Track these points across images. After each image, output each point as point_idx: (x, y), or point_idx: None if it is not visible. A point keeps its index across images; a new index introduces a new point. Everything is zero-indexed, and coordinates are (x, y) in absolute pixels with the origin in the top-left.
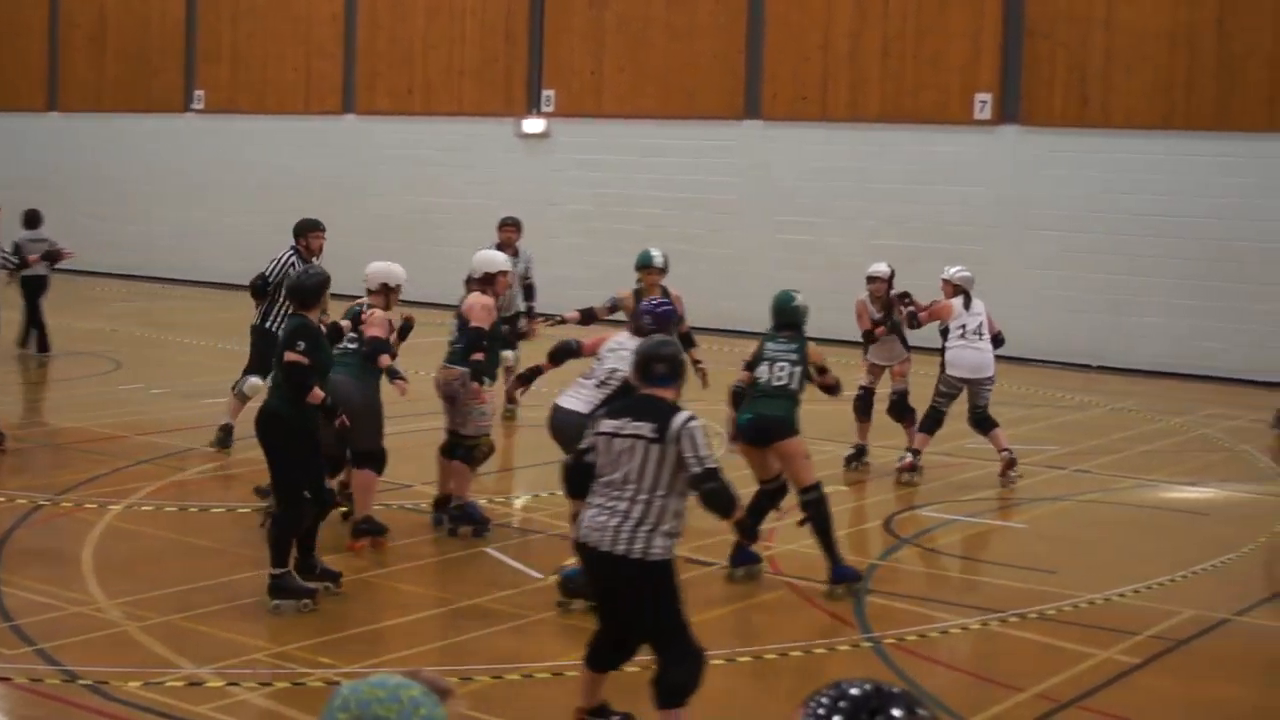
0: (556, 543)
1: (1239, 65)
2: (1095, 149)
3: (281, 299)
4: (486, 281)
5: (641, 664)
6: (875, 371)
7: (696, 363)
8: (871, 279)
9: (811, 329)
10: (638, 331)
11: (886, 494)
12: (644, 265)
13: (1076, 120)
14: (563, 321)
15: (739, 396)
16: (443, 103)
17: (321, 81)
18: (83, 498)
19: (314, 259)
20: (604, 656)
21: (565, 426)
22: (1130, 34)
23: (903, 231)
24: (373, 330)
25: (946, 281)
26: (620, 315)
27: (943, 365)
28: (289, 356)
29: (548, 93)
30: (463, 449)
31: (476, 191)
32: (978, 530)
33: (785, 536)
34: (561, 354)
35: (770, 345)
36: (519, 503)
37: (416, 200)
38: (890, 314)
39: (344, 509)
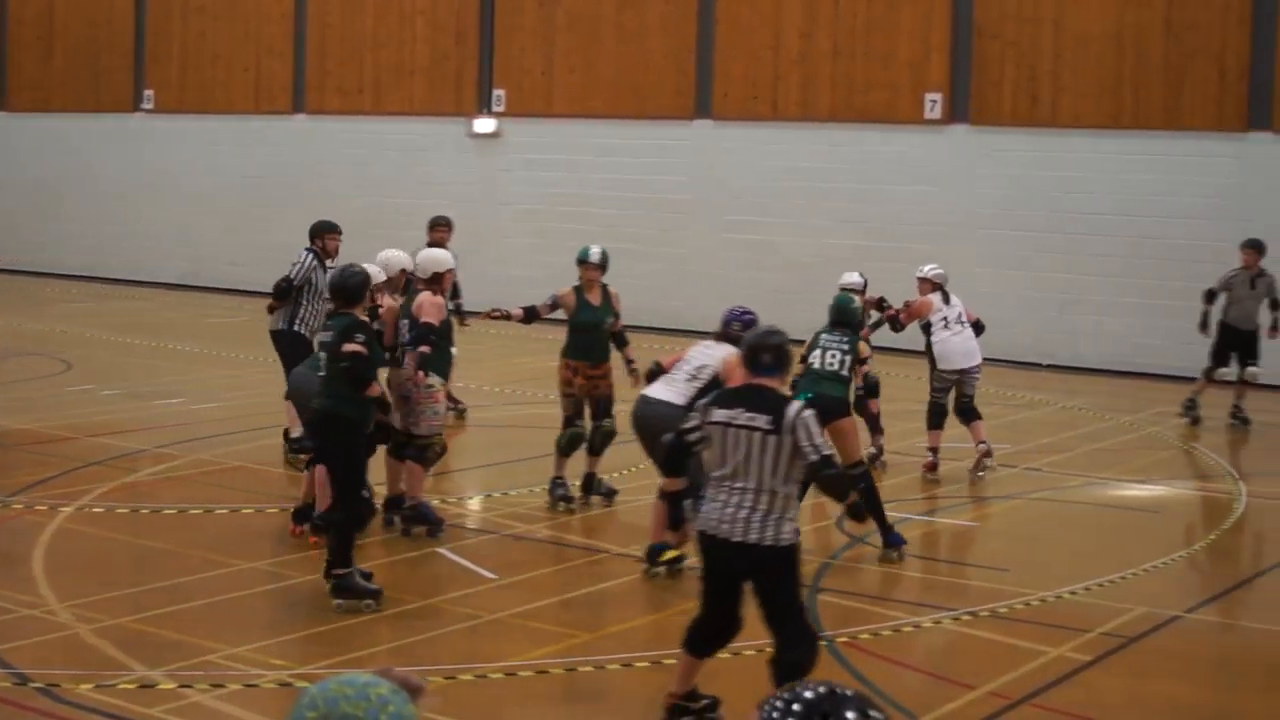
0: (509, 543)
1: (1186, 65)
2: (1044, 148)
3: (306, 301)
4: (434, 280)
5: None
6: None
7: (629, 361)
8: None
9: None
10: (725, 340)
11: None
12: (582, 260)
13: (1026, 120)
14: (506, 317)
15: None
16: (393, 102)
17: (271, 81)
18: (33, 500)
19: (330, 260)
20: (704, 643)
21: (656, 417)
22: (1079, 34)
23: (853, 230)
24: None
25: (923, 279)
26: (560, 314)
27: (932, 361)
28: (350, 347)
29: (498, 92)
30: (414, 448)
31: (427, 191)
32: (931, 529)
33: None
34: (653, 376)
35: (825, 337)
36: (472, 503)
37: (366, 200)
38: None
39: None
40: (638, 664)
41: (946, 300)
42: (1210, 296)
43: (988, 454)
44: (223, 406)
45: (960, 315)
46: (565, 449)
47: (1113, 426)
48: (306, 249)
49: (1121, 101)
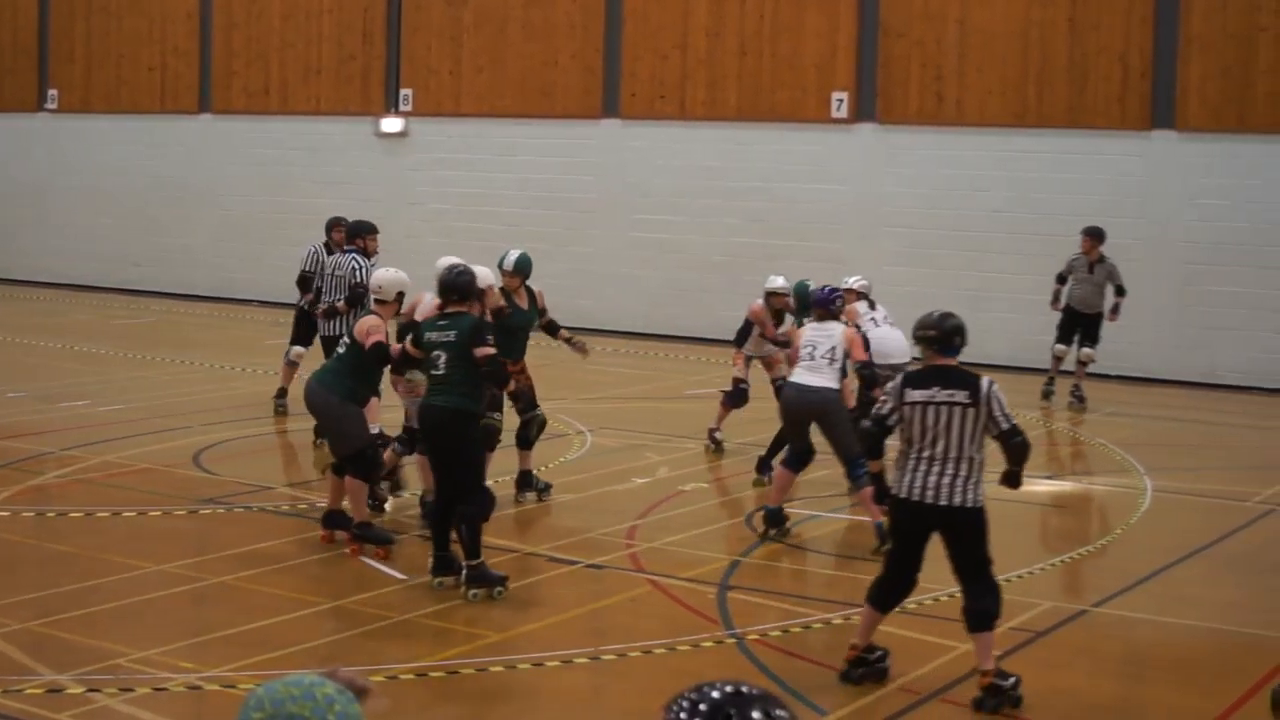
0: (418, 544)
1: (1089, 64)
2: (950, 146)
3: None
4: (397, 301)
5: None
6: (747, 363)
7: (569, 340)
8: (775, 294)
9: (670, 327)
10: (822, 318)
11: (747, 489)
12: (501, 267)
13: (932, 118)
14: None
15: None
16: (299, 102)
17: (176, 80)
18: None
19: (372, 259)
20: (890, 598)
21: (822, 401)
22: (983, 33)
23: (762, 229)
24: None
25: (849, 290)
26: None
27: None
28: (487, 351)
29: (405, 92)
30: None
31: (333, 192)
32: (838, 525)
33: (646, 533)
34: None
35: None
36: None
37: (272, 200)
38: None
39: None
40: (549, 663)
41: (872, 307)
42: (1061, 279)
43: None
44: (129, 408)
45: (887, 315)
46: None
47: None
48: (348, 250)
49: (1026, 99)
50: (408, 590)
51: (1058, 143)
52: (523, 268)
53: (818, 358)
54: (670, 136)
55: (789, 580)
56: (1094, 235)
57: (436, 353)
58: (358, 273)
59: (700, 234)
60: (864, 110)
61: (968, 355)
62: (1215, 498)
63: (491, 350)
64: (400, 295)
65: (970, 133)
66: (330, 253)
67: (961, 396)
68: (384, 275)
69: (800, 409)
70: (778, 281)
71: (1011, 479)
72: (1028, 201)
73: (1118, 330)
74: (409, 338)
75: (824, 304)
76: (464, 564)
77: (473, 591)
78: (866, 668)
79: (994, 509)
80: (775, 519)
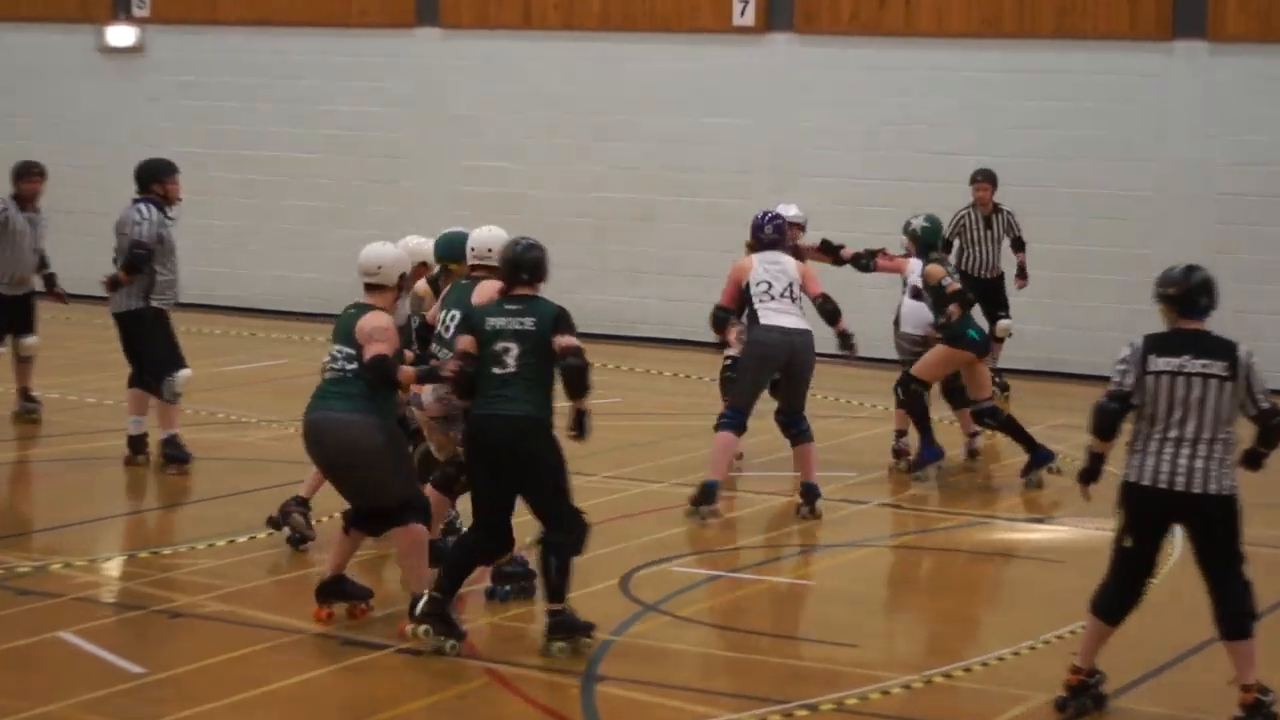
0: (164, 623)
1: None
2: (895, 64)
3: (160, 266)
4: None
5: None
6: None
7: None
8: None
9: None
10: (762, 247)
11: (623, 540)
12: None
13: (870, 26)
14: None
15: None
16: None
17: None
18: None
19: (172, 207)
20: (1122, 605)
21: (800, 346)
22: None
23: (636, 179)
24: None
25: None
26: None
27: (896, 322)
28: (571, 341)
29: None
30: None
31: (43, 128)
32: (749, 590)
33: (481, 603)
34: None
35: (949, 269)
36: (110, 565)
37: None
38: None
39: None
40: None
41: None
42: (945, 246)
43: (973, 455)
44: None
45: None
46: None
47: (1002, 445)
48: (141, 199)
49: (1000, 2)
50: (143, 689)
51: (1043, 59)
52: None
53: (778, 296)
54: (510, 54)
55: (680, 666)
56: (989, 179)
57: (503, 346)
58: (140, 227)
59: (552, 187)
60: (777, 16)
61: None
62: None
63: (577, 341)
64: (404, 278)
65: (922, 46)
66: (22, 209)
67: (1219, 368)
68: (383, 252)
69: (787, 353)
70: (790, 210)
71: (1254, 459)
72: (1000, 140)
73: (1127, 314)
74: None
75: (757, 230)
76: (549, 608)
77: (558, 644)
78: (1088, 696)
79: (967, 565)
80: (710, 495)
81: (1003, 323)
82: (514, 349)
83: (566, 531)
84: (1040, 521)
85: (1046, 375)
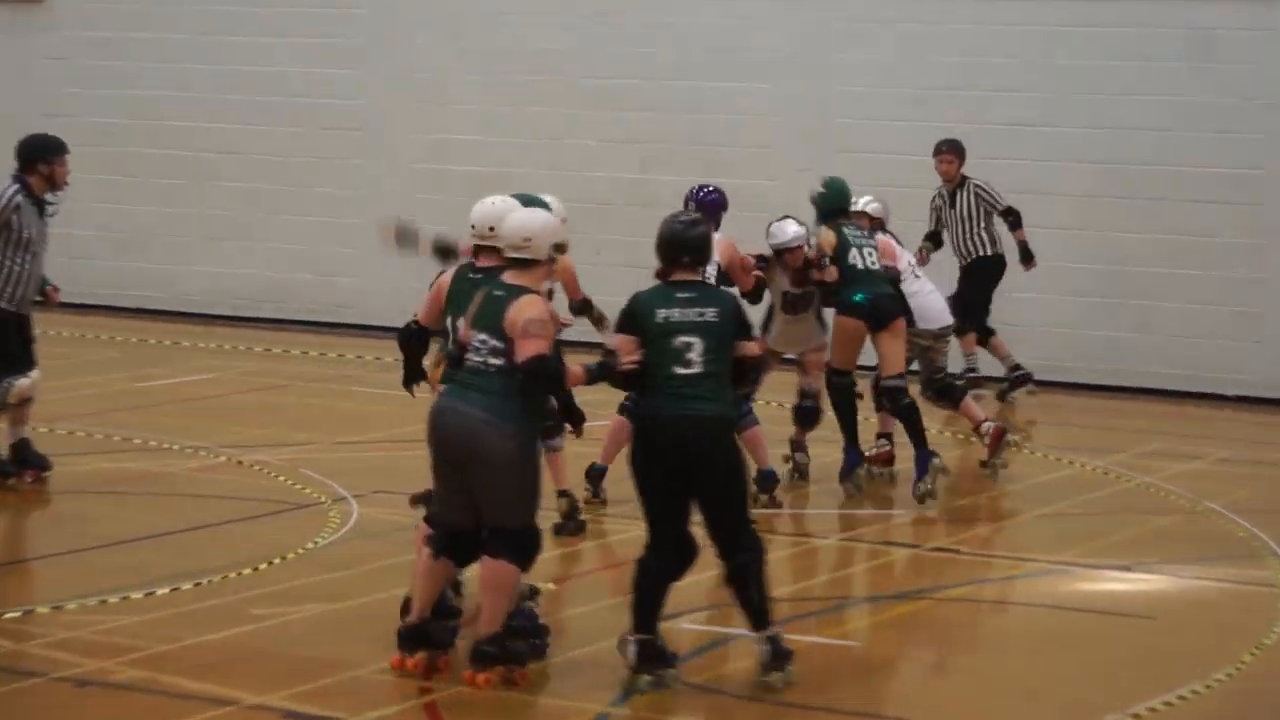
0: (66, 692)
1: None
2: (946, 19)
3: (9, 256)
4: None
5: None
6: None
7: None
8: (785, 249)
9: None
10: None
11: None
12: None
13: None
14: None
15: None
16: None
17: None
18: None
19: (57, 192)
20: None
21: None
22: None
23: (637, 156)
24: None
25: (858, 213)
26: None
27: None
28: (756, 346)
29: None
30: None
31: None
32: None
33: (453, 670)
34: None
35: (850, 233)
36: None
37: None
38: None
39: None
40: None
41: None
42: (935, 237)
43: (1002, 433)
44: None
45: (912, 261)
46: None
47: (1074, 474)
48: (15, 178)
49: None
50: None
51: (1126, 10)
52: None
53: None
54: (487, 2)
55: None
56: (954, 150)
57: (685, 341)
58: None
59: (537, 164)
60: None
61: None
62: None
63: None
64: (557, 249)
65: None
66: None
67: None
68: (530, 218)
69: None
70: (792, 230)
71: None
72: (1071, 108)
73: (1231, 318)
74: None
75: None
76: (765, 635)
77: (779, 674)
78: None
79: (1040, 622)
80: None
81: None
82: (698, 344)
83: (748, 549)
84: (1125, 569)
85: (1133, 391)
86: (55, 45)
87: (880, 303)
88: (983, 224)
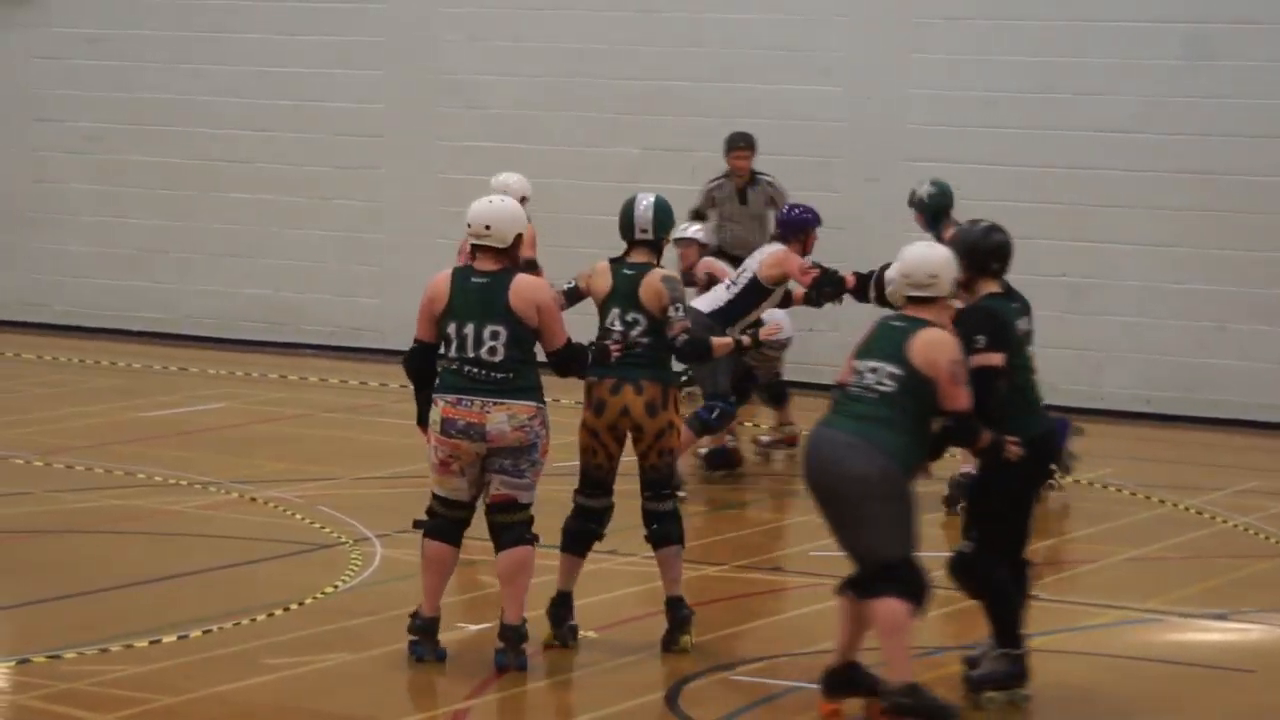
0: None
1: None
2: (1023, 12)
3: None
4: None
5: None
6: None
7: None
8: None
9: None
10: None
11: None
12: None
13: None
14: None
15: None
16: None
17: None
18: None
19: None
20: None
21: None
22: None
23: (676, 165)
24: None
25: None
26: None
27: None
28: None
29: None
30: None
31: None
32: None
33: None
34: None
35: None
36: None
37: None
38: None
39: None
40: None
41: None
42: (698, 216)
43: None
44: None
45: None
46: None
47: (1166, 514)
48: None
49: None
50: None
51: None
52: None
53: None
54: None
55: None
56: (746, 144)
57: (1030, 351)
58: None
59: (575, 173)
60: None
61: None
62: None
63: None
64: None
65: None
66: None
67: None
68: (933, 256)
69: None
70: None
71: None
72: (1165, 112)
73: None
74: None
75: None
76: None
77: (991, 694)
78: None
79: (1125, 672)
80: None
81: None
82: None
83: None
84: (1221, 618)
85: (1230, 424)
86: (46, 43)
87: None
88: (766, 221)
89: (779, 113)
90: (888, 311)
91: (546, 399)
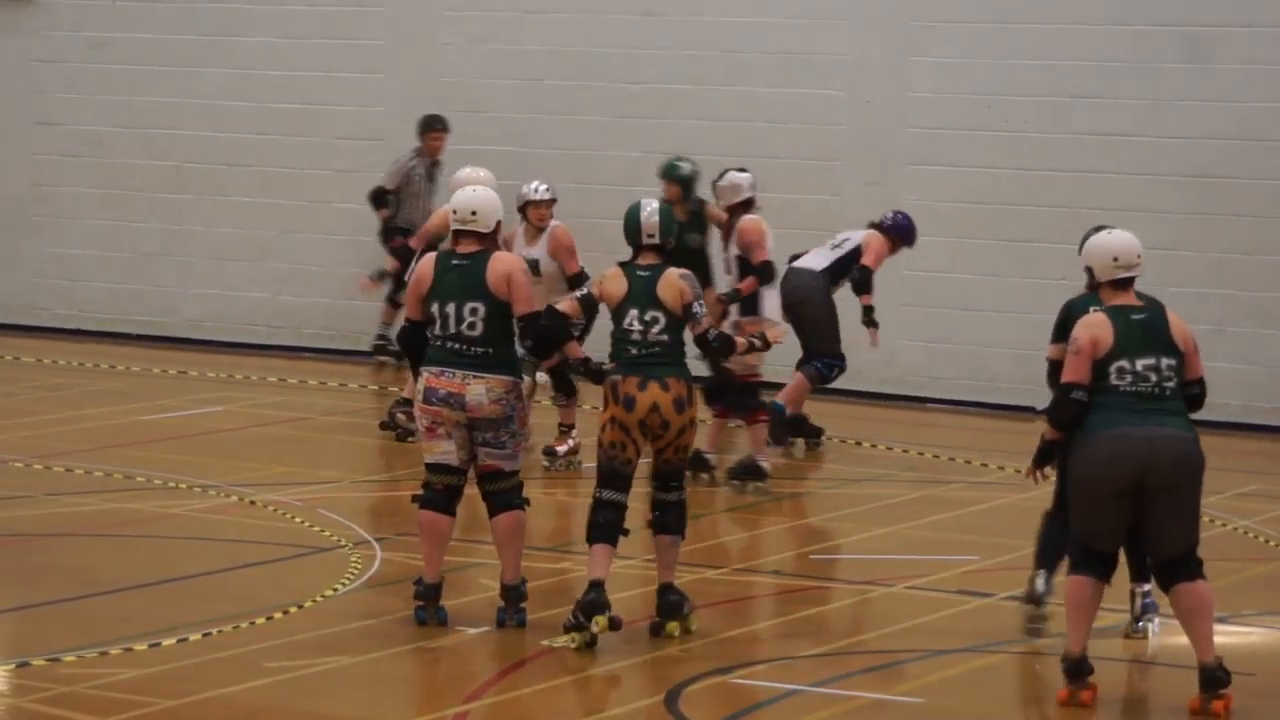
0: None
1: None
2: (1029, 15)
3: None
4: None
5: None
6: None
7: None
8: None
9: None
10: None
11: (678, 640)
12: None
13: None
14: None
15: None
16: None
17: None
18: None
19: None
20: None
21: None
22: None
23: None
24: None
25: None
26: None
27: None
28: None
29: None
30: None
31: None
32: (836, 710)
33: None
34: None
35: None
36: None
37: None
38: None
39: None
40: None
41: None
42: (380, 198)
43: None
44: None
45: None
46: None
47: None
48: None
49: None
50: None
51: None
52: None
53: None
54: (519, 1)
55: None
56: (443, 126)
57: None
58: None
59: (576, 177)
60: None
61: None
62: None
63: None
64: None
65: None
66: None
67: None
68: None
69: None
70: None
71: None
72: (1179, 116)
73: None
74: None
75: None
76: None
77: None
78: None
79: (1144, 676)
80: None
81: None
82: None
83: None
84: (1220, 621)
85: (1228, 427)
86: (48, 47)
87: None
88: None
89: (780, 116)
90: None
91: (584, 405)
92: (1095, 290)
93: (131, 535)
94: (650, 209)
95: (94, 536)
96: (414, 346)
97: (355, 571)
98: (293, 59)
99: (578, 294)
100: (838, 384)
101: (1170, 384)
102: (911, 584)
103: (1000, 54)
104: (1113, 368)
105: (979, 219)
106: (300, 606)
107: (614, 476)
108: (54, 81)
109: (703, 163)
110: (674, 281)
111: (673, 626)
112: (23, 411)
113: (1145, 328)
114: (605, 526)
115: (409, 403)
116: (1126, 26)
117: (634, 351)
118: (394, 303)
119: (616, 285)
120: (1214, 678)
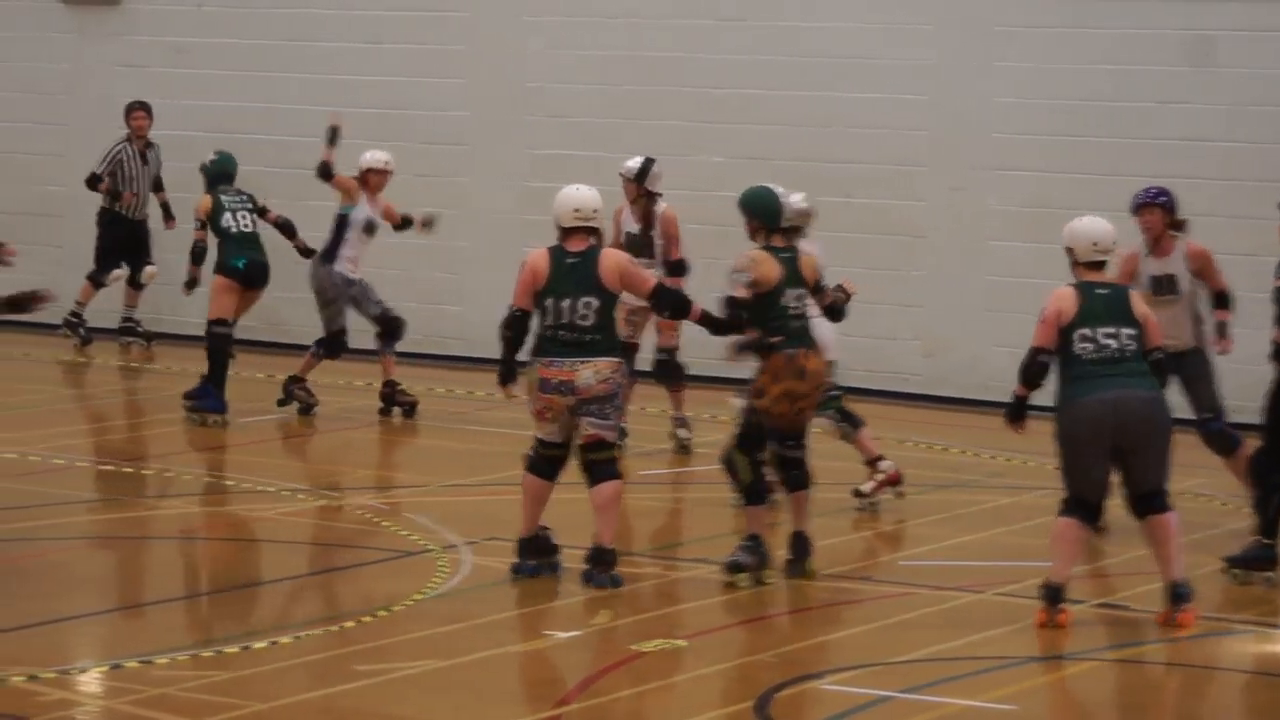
0: None
1: None
2: (1103, 20)
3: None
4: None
5: None
6: (636, 321)
7: None
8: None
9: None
10: None
11: (766, 647)
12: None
13: None
14: None
15: None
16: None
17: None
18: None
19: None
20: None
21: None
22: None
23: (761, 174)
24: None
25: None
26: None
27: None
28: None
29: None
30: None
31: None
32: (926, 716)
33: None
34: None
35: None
36: (84, 676)
37: None
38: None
39: None
40: None
41: None
42: (98, 179)
43: (898, 479)
44: None
45: None
46: None
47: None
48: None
49: None
50: None
51: None
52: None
53: None
54: (599, 5)
55: None
56: (143, 107)
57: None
58: None
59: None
60: None
61: None
62: None
63: None
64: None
65: None
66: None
67: None
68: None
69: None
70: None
71: None
72: (1247, 121)
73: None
74: None
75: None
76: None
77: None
78: None
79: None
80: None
81: (148, 269)
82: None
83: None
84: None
85: None
86: (130, 52)
87: (250, 267)
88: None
89: (861, 121)
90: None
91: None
92: (1073, 269)
93: (219, 539)
94: (796, 196)
95: (179, 540)
96: (519, 332)
97: (444, 575)
98: (373, 64)
99: (745, 280)
100: (925, 390)
101: (1131, 349)
102: (1001, 590)
103: (1083, 59)
104: (1076, 334)
105: (1061, 224)
106: (389, 610)
107: (791, 431)
108: (136, 87)
109: (784, 168)
110: (812, 261)
111: (809, 565)
112: (109, 415)
113: (1108, 301)
114: (786, 479)
115: (302, 380)
116: (1206, 31)
117: (794, 325)
118: (96, 282)
119: (771, 268)
120: (1180, 593)
